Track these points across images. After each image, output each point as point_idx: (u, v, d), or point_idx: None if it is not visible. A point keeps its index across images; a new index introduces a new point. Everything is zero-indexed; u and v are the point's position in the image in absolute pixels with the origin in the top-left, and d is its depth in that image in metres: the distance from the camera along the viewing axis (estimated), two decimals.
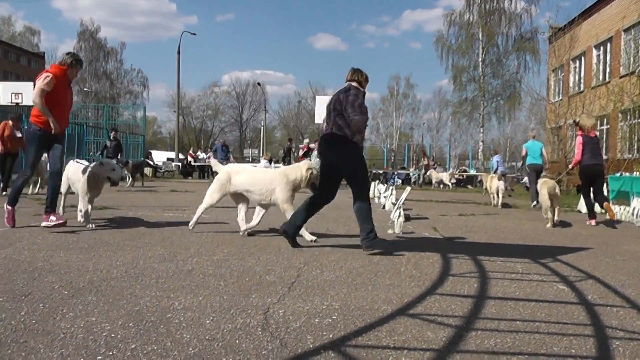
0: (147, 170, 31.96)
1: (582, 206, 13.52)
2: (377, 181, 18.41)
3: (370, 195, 14.04)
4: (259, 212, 7.26)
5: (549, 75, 34.49)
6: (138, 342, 2.92)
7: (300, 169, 6.92)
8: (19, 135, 14.13)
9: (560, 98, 31.53)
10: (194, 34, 47.18)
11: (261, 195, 7.02)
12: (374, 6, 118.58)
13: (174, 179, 31.78)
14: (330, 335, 3.14)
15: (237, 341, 2.98)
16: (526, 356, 2.91)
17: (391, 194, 12.26)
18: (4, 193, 13.34)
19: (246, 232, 7.20)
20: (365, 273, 4.99)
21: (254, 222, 7.23)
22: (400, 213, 8.15)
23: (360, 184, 6.24)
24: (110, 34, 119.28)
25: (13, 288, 4.01)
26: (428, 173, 30.92)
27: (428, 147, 48.85)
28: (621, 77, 25.58)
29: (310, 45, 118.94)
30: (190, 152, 39.96)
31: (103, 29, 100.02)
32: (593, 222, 10.56)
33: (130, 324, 3.21)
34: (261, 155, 41.31)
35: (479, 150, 47.96)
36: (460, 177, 33.77)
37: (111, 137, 20.73)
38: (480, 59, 48.90)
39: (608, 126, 27.03)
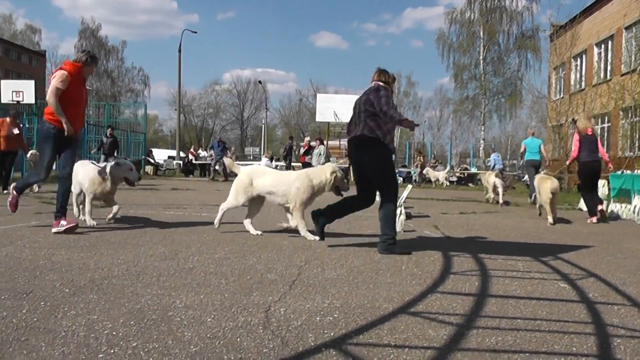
0: (149, 169, 32.01)
1: (583, 204, 13.52)
2: None
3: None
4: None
5: (550, 73, 34.48)
6: (139, 340, 2.92)
7: (324, 172, 6.88)
8: (16, 132, 13.97)
9: (561, 96, 31.52)
10: (195, 32, 47.26)
11: (284, 197, 6.99)
12: (375, 4, 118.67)
13: (175, 177, 31.80)
14: (332, 334, 3.14)
15: (239, 339, 2.98)
16: (527, 354, 2.91)
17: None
18: (5, 192, 13.29)
19: (285, 227, 7.17)
20: (366, 271, 4.99)
21: (292, 223, 7.11)
22: (401, 211, 8.15)
23: (388, 188, 6.23)
24: (111, 32, 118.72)
25: (14, 286, 4.01)
26: (425, 171, 30.91)
27: (429, 145, 48.87)
28: (622, 75, 25.56)
29: (311, 43, 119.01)
30: (192, 150, 39.95)
31: (104, 27, 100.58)
32: (594, 219, 10.58)
33: (132, 322, 3.21)
34: (262, 153, 41.35)
35: (480, 148, 47.94)
36: (462, 175, 33.74)
37: (107, 134, 20.61)
38: (481, 57, 48.91)
39: (609, 124, 27.02)
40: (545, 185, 10.41)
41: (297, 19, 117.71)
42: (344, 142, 39.24)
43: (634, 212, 11.56)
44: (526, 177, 19.98)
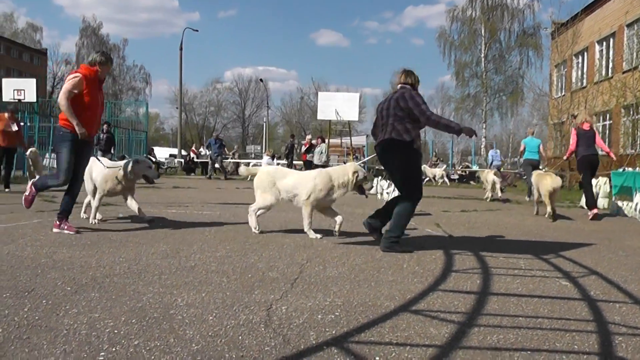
0: None
1: (584, 202, 13.53)
2: (380, 177, 18.49)
3: (373, 191, 14.06)
4: (332, 213, 7.04)
5: (551, 70, 34.45)
6: (141, 338, 2.92)
7: (346, 172, 6.82)
8: (15, 128, 13.68)
9: (562, 94, 31.48)
10: (196, 31, 47.45)
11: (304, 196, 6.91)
12: (376, 2, 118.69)
13: (177, 175, 31.79)
14: (333, 332, 3.14)
15: (240, 337, 2.99)
16: (529, 352, 2.91)
17: (394, 190, 12.26)
18: (7, 190, 13.28)
19: (336, 234, 6.99)
20: (367, 269, 5.00)
21: (338, 220, 6.99)
22: None
23: (410, 191, 6.22)
24: (112, 31, 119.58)
25: (16, 284, 4.02)
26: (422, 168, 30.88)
27: (430, 143, 48.78)
28: (624, 73, 25.55)
29: (312, 41, 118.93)
30: (193, 148, 39.94)
31: (105, 26, 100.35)
32: (595, 210, 10.77)
33: (133, 320, 3.21)
34: (263, 151, 41.37)
35: (482, 146, 47.91)
36: (463, 173, 33.72)
37: (104, 130, 20.35)
38: (482, 55, 48.88)
39: (611, 121, 27.02)
40: (545, 181, 10.53)
41: (298, 17, 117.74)
42: (346, 140, 39.25)
43: (635, 209, 11.56)
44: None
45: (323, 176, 6.85)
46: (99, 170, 7.52)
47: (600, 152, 11.56)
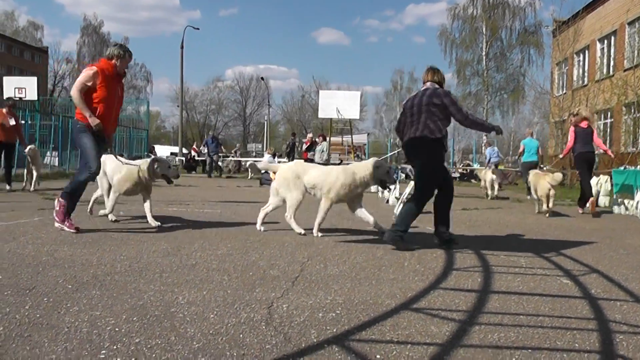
0: None
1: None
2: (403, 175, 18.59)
3: (374, 189, 14.09)
4: (362, 213, 6.99)
5: (552, 68, 34.36)
6: (142, 336, 2.92)
7: (367, 167, 6.79)
8: (13, 123, 13.41)
9: (564, 92, 31.45)
10: (198, 29, 47.41)
11: (324, 189, 6.88)
12: (377, 1, 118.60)
13: None
14: (334, 330, 3.14)
15: (241, 335, 2.99)
16: (530, 350, 2.91)
17: (395, 188, 12.26)
18: (8, 188, 13.23)
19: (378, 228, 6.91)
20: (369, 267, 5.00)
21: (370, 220, 6.92)
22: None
23: (425, 189, 6.26)
24: (113, 29, 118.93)
25: (17, 282, 4.02)
26: None
27: None
28: (625, 71, 25.53)
29: (313, 39, 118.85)
30: (194, 146, 39.95)
31: (106, 24, 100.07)
32: (592, 199, 11.38)
33: (134, 318, 3.22)
34: (265, 149, 41.35)
35: (483, 144, 47.88)
36: (464, 172, 33.72)
37: None
38: (484, 53, 48.81)
39: (612, 120, 27.00)
40: (542, 182, 10.72)
41: (299, 15, 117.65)
42: (347, 138, 39.19)
43: (636, 207, 11.56)
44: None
45: (345, 171, 6.83)
46: (116, 168, 7.38)
47: (598, 151, 11.80)
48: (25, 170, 13.83)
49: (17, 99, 21.27)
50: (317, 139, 25.12)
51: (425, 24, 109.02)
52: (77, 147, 6.85)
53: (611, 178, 13.64)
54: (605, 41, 28.85)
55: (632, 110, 24.16)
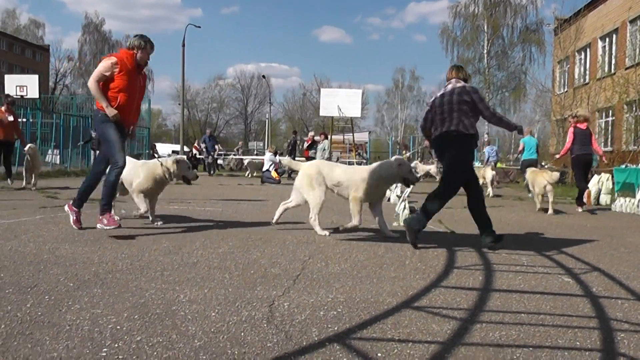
0: None
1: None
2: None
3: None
4: (380, 220, 6.96)
5: (554, 67, 34.33)
6: (143, 334, 2.93)
7: (391, 166, 6.80)
8: (11, 119, 13.35)
9: (565, 90, 31.43)
10: (199, 27, 47.01)
11: (348, 190, 6.83)
12: None
13: None
14: (335, 328, 3.14)
15: (242, 334, 2.99)
16: (531, 349, 2.91)
17: (396, 187, 12.25)
18: (10, 182, 13.21)
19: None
20: (370, 266, 5.00)
21: (385, 231, 6.92)
22: (405, 205, 8.15)
23: (451, 185, 6.26)
24: (114, 27, 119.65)
25: (19, 280, 4.02)
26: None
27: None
28: (627, 69, 25.50)
29: (315, 37, 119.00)
30: (196, 144, 39.93)
31: (107, 22, 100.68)
32: (579, 209, 11.68)
33: (136, 317, 3.22)
34: (266, 147, 41.35)
35: (484, 142, 47.85)
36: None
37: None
38: (485, 51, 48.72)
39: (613, 118, 26.97)
40: (539, 179, 10.89)
41: (300, 13, 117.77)
42: (348, 136, 39.16)
43: (637, 206, 11.56)
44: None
45: (371, 170, 6.83)
46: (134, 170, 7.22)
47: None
48: (25, 168, 13.77)
49: (19, 97, 21.25)
50: (317, 138, 25.13)
51: (426, 22, 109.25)
52: (100, 138, 6.74)
53: (612, 176, 13.65)
54: (607, 39, 28.81)
55: (634, 109, 24.14)
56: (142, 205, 7.16)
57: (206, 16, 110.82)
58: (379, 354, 2.77)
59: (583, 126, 11.75)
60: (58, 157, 25.58)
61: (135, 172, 7.19)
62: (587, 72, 30.52)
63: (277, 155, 24.04)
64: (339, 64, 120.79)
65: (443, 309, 3.64)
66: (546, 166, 13.36)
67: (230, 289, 3.97)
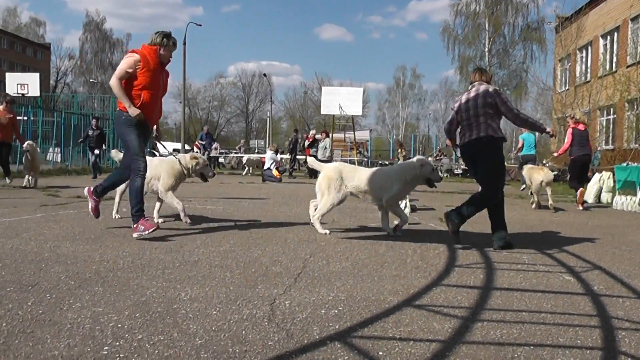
0: None
1: (588, 197, 13.55)
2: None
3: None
4: (387, 221, 6.97)
5: (555, 65, 34.36)
6: (145, 332, 2.93)
7: (414, 167, 6.78)
8: (10, 116, 13.17)
9: (566, 88, 31.43)
10: (200, 25, 47.00)
11: (375, 193, 6.81)
12: None
13: None
14: (337, 326, 3.14)
15: (244, 332, 2.99)
16: (532, 347, 2.91)
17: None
18: (7, 181, 13.17)
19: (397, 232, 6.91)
20: (371, 264, 5.00)
21: (386, 229, 6.97)
22: (406, 204, 8.15)
23: (495, 189, 6.31)
24: (115, 25, 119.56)
25: (20, 278, 4.03)
26: None
27: (434, 137, 48.76)
28: (628, 67, 25.47)
29: (316, 36, 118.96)
30: (197, 142, 39.94)
31: (108, 20, 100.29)
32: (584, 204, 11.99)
33: (137, 315, 3.22)
34: (267, 146, 41.36)
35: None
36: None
37: (93, 126, 19.64)
38: (486, 49, 48.68)
39: (614, 116, 26.94)
40: (536, 175, 11.02)
41: (302, 12, 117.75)
42: (349, 134, 39.14)
43: (638, 204, 11.56)
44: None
45: (397, 174, 6.82)
46: (152, 165, 7.00)
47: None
48: (24, 166, 13.69)
49: (19, 95, 21.23)
50: (318, 136, 25.11)
51: (427, 20, 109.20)
52: (121, 140, 6.46)
53: (614, 174, 13.65)
54: (608, 37, 28.78)
55: (635, 107, 24.11)
56: (178, 204, 7.11)
57: (207, 14, 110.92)
58: (380, 353, 2.77)
59: (581, 127, 12.06)
60: (59, 155, 25.62)
61: (155, 171, 7.09)
62: (589, 70, 30.51)
63: (279, 154, 24.07)
64: (340, 62, 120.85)
65: (444, 307, 3.64)
66: (547, 164, 13.36)
67: (232, 287, 3.97)
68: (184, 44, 41.51)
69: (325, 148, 23.78)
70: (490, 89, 6.23)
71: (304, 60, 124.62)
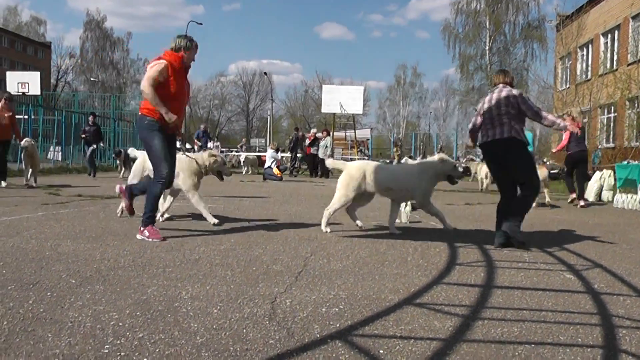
0: None
1: (589, 195, 13.55)
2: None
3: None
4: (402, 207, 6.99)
5: (556, 63, 34.36)
6: (145, 331, 2.93)
7: (435, 164, 6.85)
8: (9, 114, 12.93)
9: (567, 86, 31.40)
10: (201, 24, 47.11)
11: (403, 191, 6.87)
12: None
13: None
14: (337, 325, 3.14)
15: (245, 330, 2.99)
16: (533, 345, 2.91)
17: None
18: (3, 184, 13.03)
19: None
20: (372, 262, 5.00)
21: (391, 227, 6.98)
22: (407, 202, 8.14)
23: (535, 186, 6.38)
24: (116, 24, 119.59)
25: (21, 277, 4.03)
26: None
27: (435, 136, 48.74)
28: (629, 65, 25.45)
29: (317, 34, 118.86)
30: (195, 140, 39.88)
31: (109, 19, 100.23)
32: (573, 195, 12.60)
33: (138, 313, 3.22)
34: (268, 144, 41.35)
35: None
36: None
37: (90, 122, 19.47)
38: (487, 48, 48.73)
39: (615, 114, 26.92)
40: None
41: (302, 10, 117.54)
42: (350, 133, 39.15)
43: (639, 202, 11.56)
44: None
45: (423, 171, 6.86)
46: (180, 165, 6.80)
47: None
48: (24, 164, 13.60)
49: (20, 93, 21.21)
50: (319, 134, 25.11)
51: (428, 19, 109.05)
52: (144, 145, 6.23)
53: (614, 173, 13.65)
54: (609, 35, 28.75)
55: (636, 105, 24.10)
56: (203, 208, 7.06)
57: (208, 13, 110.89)
58: (381, 351, 2.77)
59: (578, 125, 11.98)
60: (60, 154, 25.61)
61: (188, 168, 7.04)
62: (589, 69, 30.49)
63: (279, 152, 24.07)
64: (340, 61, 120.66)
65: (445, 305, 3.64)
66: (547, 163, 13.36)
67: (232, 285, 3.97)
68: None
69: (326, 147, 23.78)
70: (514, 90, 6.32)
71: (305, 59, 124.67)
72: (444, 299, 3.83)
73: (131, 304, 3.41)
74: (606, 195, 13.95)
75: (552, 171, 14.06)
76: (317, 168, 24.55)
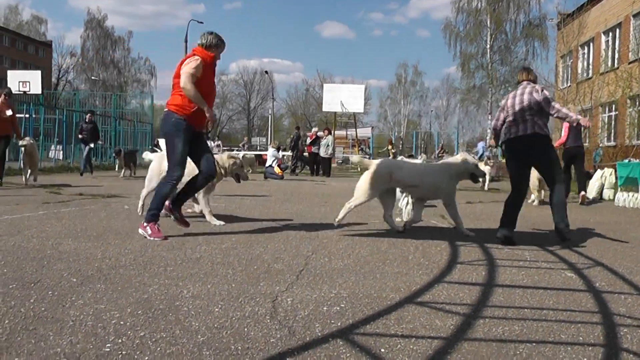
0: None
1: (590, 193, 13.54)
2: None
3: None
4: (416, 207, 7.02)
5: (557, 61, 34.35)
6: (147, 329, 2.93)
7: (459, 163, 6.92)
8: (9, 113, 12.77)
9: (568, 84, 31.38)
10: (202, 23, 47.15)
11: (427, 190, 6.92)
12: None
13: None
14: (339, 324, 3.14)
15: (246, 329, 2.99)
16: (534, 344, 2.91)
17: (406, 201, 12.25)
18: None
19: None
20: (373, 261, 5.00)
21: (417, 217, 7.03)
22: (408, 201, 8.13)
23: (560, 179, 6.55)
24: (117, 23, 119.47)
25: (22, 275, 4.03)
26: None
27: (436, 134, 48.71)
28: (630, 63, 25.44)
29: (317, 33, 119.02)
30: None
31: (110, 18, 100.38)
32: (582, 193, 12.35)
33: (139, 312, 3.22)
34: (269, 143, 41.37)
35: (487, 137, 47.75)
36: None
37: (87, 120, 19.29)
38: (488, 46, 48.58)
39: (616, 112, 26.91)
40: (532, 173, 11.16)
41: (303, 9, 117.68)
42: (351, 132, 39.15)
43: None
44: None
45: (448, 170, 6.93)
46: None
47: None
48: (23, 163, 13.51)
49: (21, 92, 21.20)
50: (320, 133, 25.10)
51: (429, 17, 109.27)
52: (166, 142, 6.13)
53: (615, 171, 13.64)
54: (610, 34, 28.73)
55: (637, 103, 24.09)
56: (209, 213, 7.07)
57: (208, 12, 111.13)
58: (382, 350, 2.77)
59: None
60: (61, 153, 25.63)
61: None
62: (590, 67, 30.47)
63: (280, 151, 24.05)
64: (341, 60, 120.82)
65: (446, 304, 3.64)
66: None
67: (234, 284, 3.97)
68: (186, 41, 41.43)
69: (328, 145, 23.78)
70: (537, 87, 6.47)
71: (306, 58, 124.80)
72: (445, 297, 3.83)
73: (132, 302, 3.42)
74: (607, 193, 13.93)
75: None
76: (318, 167, 24.57)
